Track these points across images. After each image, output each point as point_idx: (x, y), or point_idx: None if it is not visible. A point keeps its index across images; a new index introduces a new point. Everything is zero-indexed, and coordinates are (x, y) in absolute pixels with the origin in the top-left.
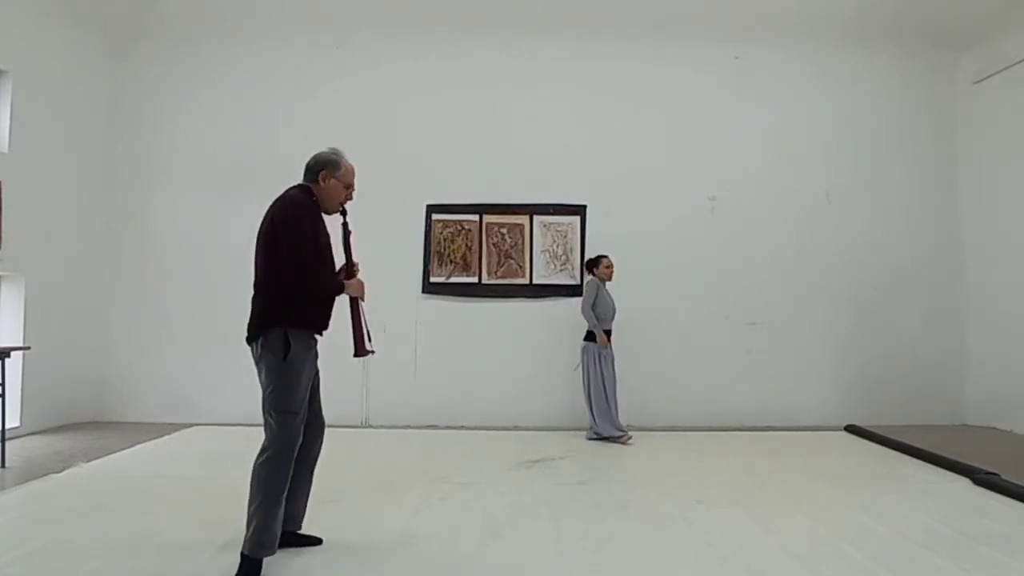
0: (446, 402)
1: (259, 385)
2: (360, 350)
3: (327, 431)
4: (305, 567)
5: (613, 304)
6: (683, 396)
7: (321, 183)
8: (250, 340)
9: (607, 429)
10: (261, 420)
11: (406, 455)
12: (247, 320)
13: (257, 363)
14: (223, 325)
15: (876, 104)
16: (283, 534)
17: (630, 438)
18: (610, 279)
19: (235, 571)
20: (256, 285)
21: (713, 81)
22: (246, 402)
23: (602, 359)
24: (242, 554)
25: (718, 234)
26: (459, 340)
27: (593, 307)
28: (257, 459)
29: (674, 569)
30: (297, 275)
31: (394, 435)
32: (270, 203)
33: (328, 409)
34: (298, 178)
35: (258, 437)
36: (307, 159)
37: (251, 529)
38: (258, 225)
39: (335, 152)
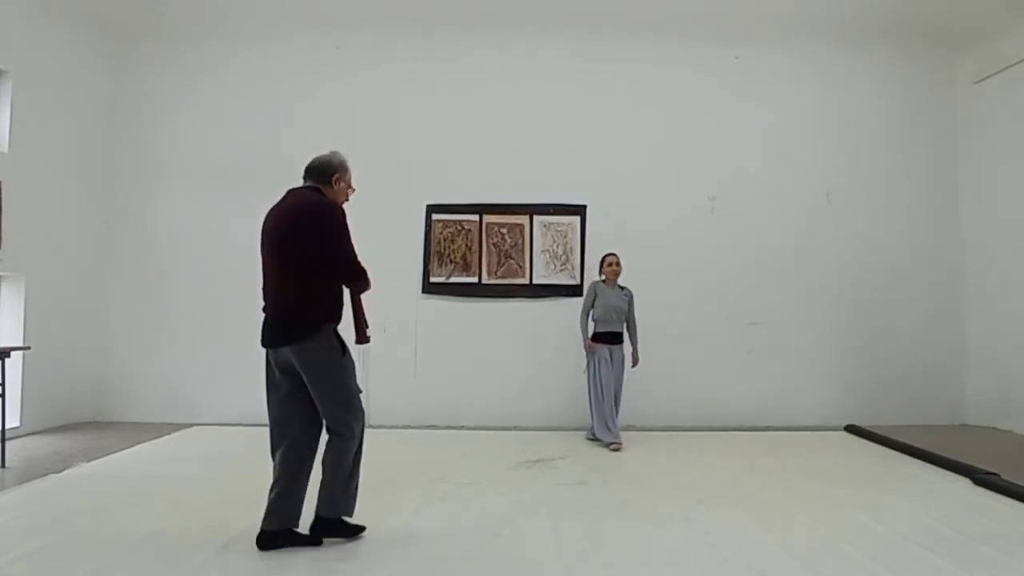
0: (446, 402)
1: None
2: (362, 337)
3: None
4: (306, 567)
5: (617, 304)
6: (683, 396)
7: (333, 185)
8: (293, 341)
9: (599, 430)
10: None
11: (406, 455)
12: (271, 323)
13: (306, 363)
14: (223, 325)
15: (876, 104)
16: (282, 533)
17: (618, 447)
18: (614, 278)
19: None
20: (284, 286)
21: (713, 81)
22: (246, 402)
23: (600, 361)
24: (330, 518)
25: (718, 234)
26: (459, 340)
27: (592, 308)
28: (333, 441)
29: (674, 569)
30: (351, 272)
31: (394, 435)
32: (271, 204)
33: None
34: (298, 177)
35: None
36: (307, 159)
37: (342, 493)
38: (259, 225)
39: (339, 156)
